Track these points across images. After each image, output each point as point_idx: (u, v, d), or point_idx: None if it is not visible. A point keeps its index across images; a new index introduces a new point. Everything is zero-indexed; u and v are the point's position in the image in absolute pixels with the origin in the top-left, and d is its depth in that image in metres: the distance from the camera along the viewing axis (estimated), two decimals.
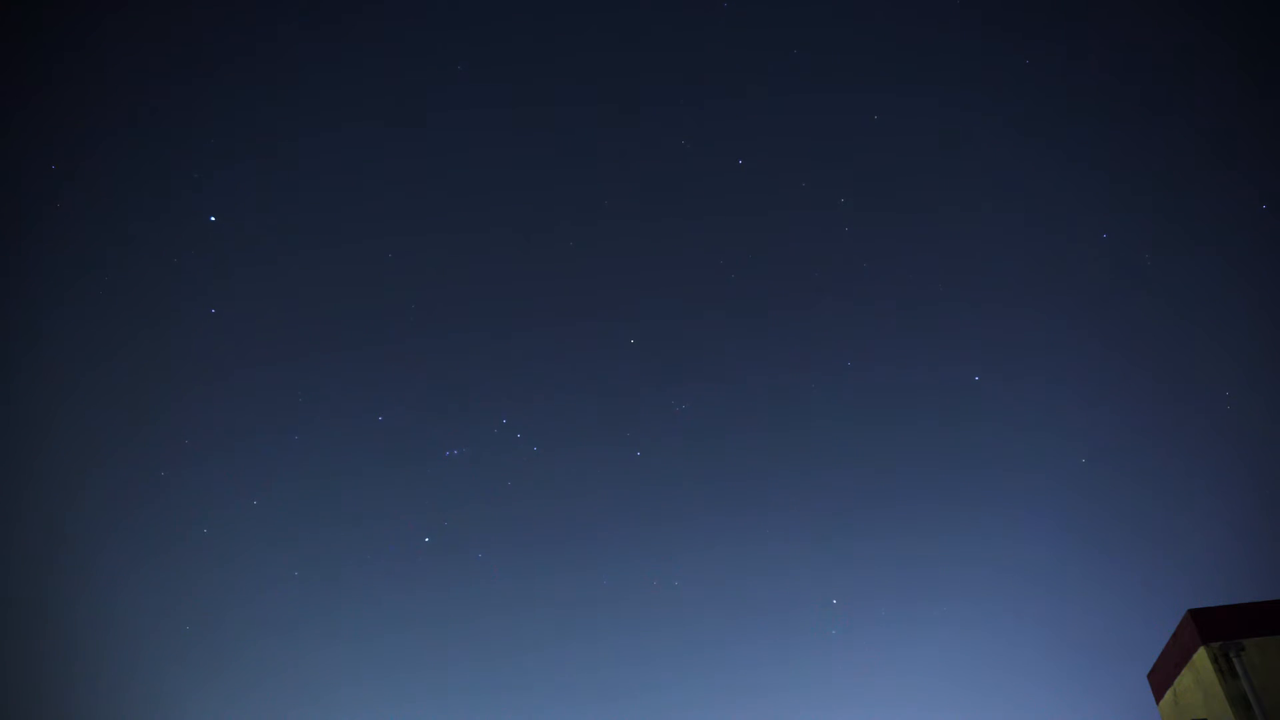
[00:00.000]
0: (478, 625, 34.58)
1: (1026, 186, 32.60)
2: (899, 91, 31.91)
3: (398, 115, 32.45)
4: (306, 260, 32.79)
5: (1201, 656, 13.41)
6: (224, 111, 31.06)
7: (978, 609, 33.57)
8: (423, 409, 33.94)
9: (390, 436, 33.66)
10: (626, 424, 34.24)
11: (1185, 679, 14.08)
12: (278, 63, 31.67)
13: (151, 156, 30.22)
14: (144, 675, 30.75)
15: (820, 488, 34.76)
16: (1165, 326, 31.42)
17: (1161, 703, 15.17)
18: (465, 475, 33.63)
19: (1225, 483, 30.65)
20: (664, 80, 32.98)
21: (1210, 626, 13.44)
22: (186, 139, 30.42)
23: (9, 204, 29.14)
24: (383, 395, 33.71)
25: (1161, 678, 15.08)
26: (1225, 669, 13.12)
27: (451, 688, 34.59)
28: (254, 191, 31.36)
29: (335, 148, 32.44)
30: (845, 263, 32.93)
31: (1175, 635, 14.33)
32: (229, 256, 31.25)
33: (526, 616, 34.68)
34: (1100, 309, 32.14)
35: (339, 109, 31.98)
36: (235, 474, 32.20)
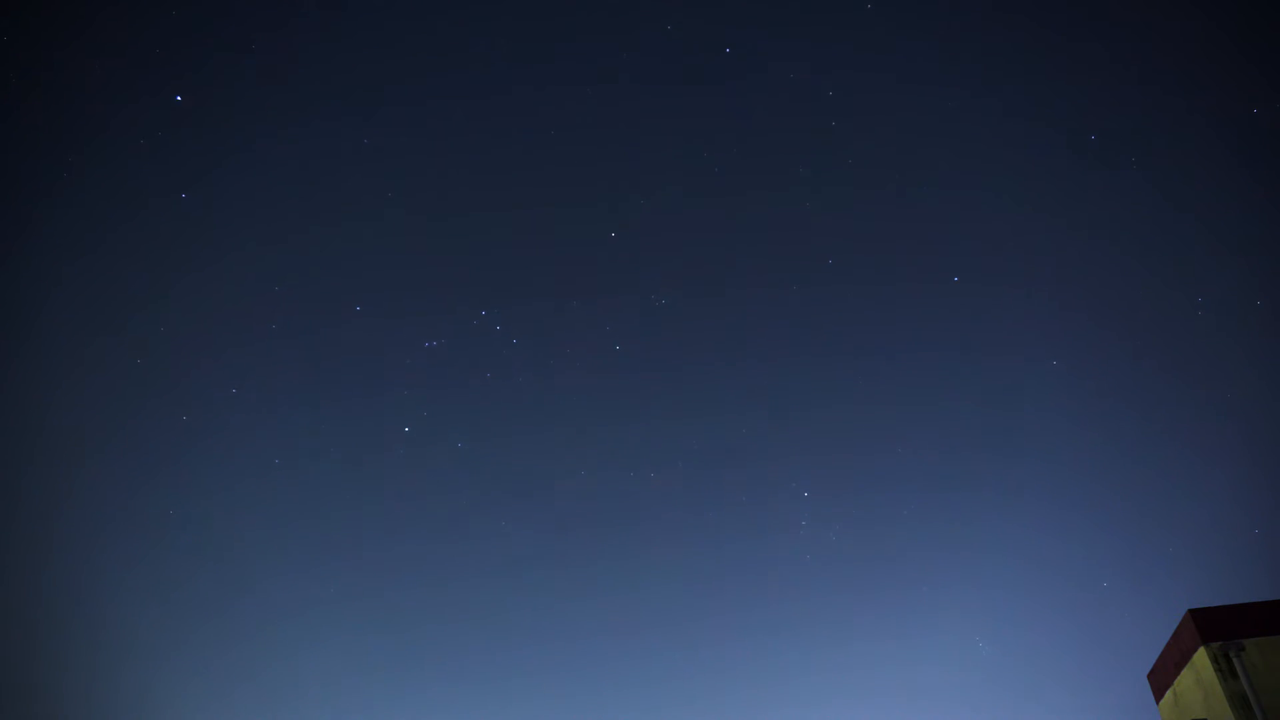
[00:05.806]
0: (453, 509, 34.90)
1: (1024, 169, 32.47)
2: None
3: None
4: (282, 151, 32.48)
5: (1201, 656, 13.38)
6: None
7: (975, 609, 33.56)
8: (401, 300, 33.98)
9: (369, 327, 33.71)
10: (607, 318, 34.20)
11: (1185, 679, 14.06)
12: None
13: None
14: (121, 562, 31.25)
15: (802, 379, 34.98)
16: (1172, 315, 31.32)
17: (1161, 703, 15.14)
18: (444, 366, 33.75)
19: (1226, 481, 30.63)
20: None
21: (1210, 626, 13.41)
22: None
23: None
24: (361, 286, 33.71)
25: (1161, 678, 15.05)
26: (1225, 669, 13.09)
27: (428, 569, 35.10)
28: (224, 73, 30.91)
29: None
30: (832, 162, 32.83)
31: (1175, 635, 14.30)
32: (202, 140, 30.92)
33: (504, 507, 34.97)
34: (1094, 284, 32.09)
35: None
36: (215, 364, 32.32)
